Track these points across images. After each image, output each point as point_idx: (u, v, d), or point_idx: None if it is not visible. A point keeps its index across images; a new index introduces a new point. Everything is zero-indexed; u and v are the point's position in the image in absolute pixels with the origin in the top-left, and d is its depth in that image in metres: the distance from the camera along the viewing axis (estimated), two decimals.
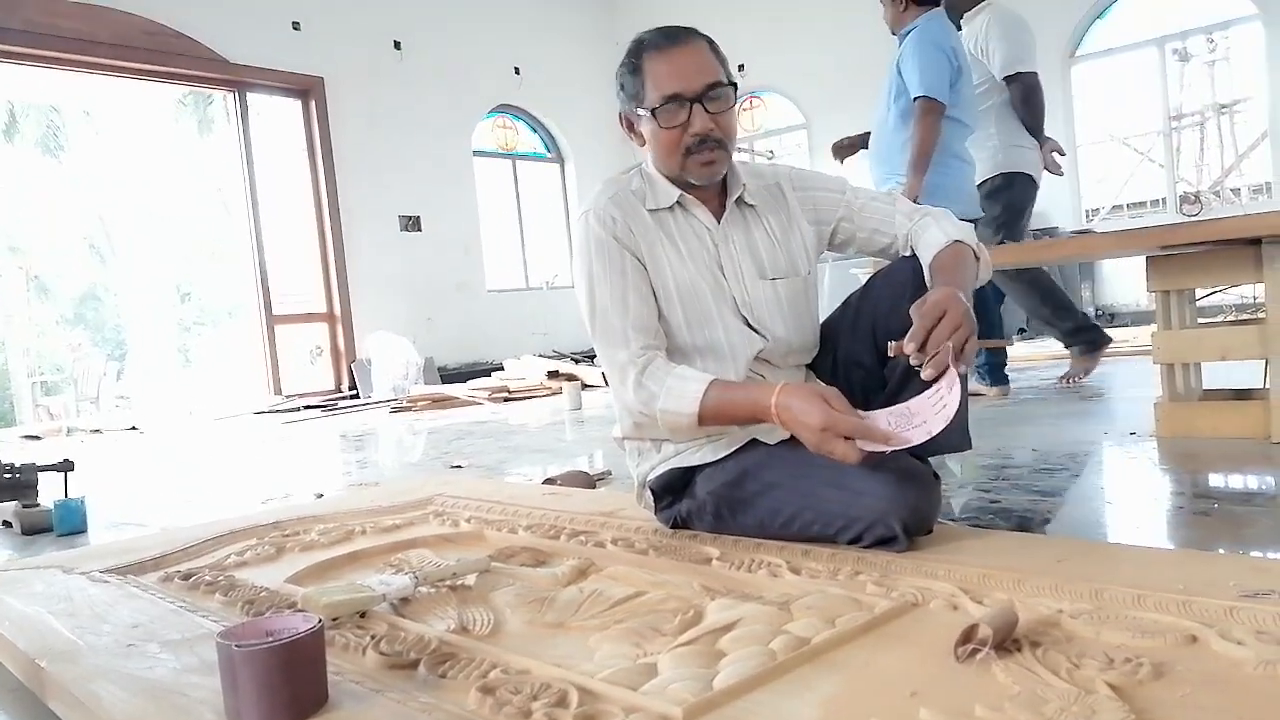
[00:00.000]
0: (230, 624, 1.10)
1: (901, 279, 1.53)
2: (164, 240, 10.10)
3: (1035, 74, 3.74)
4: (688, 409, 1.41)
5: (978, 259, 1.51)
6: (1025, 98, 3.75)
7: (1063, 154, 3.92)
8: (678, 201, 1.57)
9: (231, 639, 0.95)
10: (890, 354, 1.33)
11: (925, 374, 1.28)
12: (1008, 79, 3.72)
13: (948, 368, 1.27)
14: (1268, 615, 0.99)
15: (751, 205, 1.60)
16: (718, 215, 1.59)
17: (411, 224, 8.69)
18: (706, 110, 1.47)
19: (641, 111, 1.52)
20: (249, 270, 7.97)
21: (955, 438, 1.41)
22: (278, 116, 8.06)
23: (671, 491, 1.62)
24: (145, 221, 9.99)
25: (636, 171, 1.62)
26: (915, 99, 3.29)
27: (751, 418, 1.40)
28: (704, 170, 1.52)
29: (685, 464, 1.57)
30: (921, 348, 1.27)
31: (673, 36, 1.48)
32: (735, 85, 1.52)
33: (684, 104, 1.47)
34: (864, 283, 1.67)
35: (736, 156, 1.59)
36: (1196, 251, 2.58)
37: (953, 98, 3.33)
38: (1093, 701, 0.83)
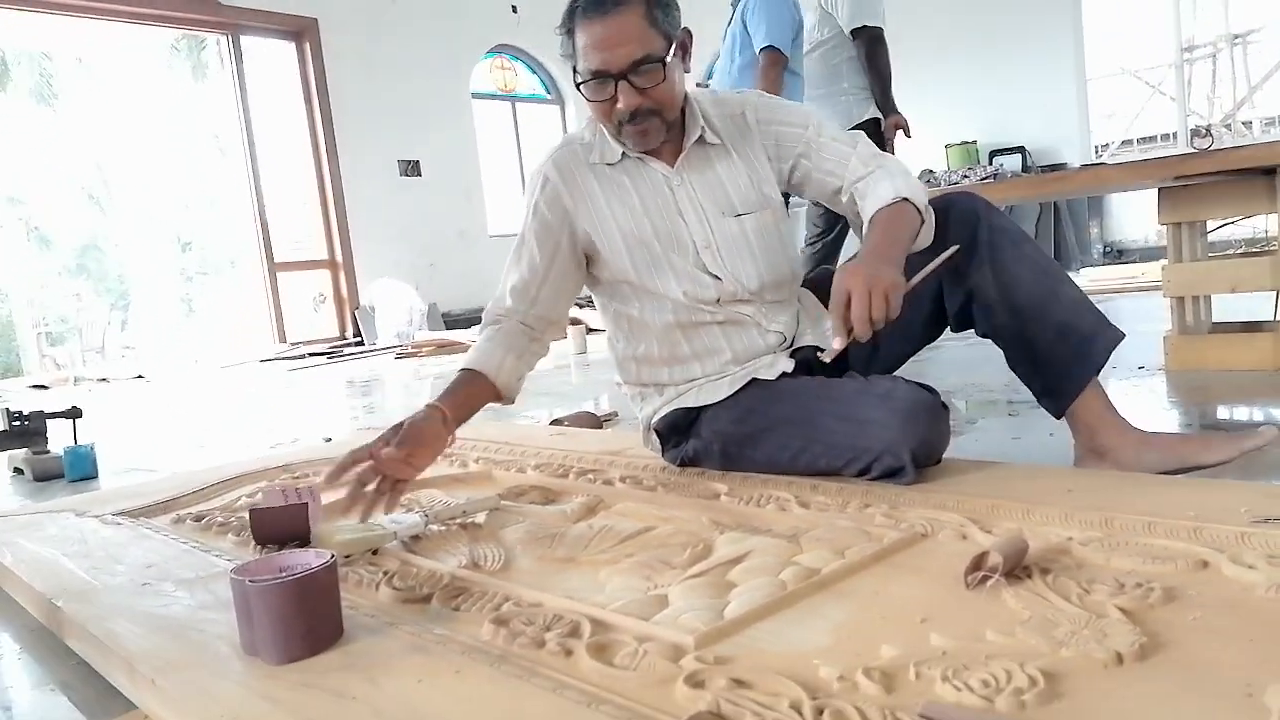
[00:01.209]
0: (243, 562, 1.11)
1: (938, 219, 1.46)
2: (162, 189, 10.02)
3: (880, 29, 3.52)
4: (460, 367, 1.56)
5: (923, 219, 1.42)
6: (870, 54, 3.52)
7: (908, 135, 3.66)
8: (624, 155, 1.53)
9: (245, 575, 0.95)
10: (826, 360, 1.33)
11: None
12: (854, 32, 3.57)
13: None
14: (1279, 540, 0.99)
15: (714, 143, 1.53)
16: (674, 159, 1.53)
17: (411, 169, 8.60)
18: (634, 86, 1.39)
19: (577, 71, 1.43)
20: (249, 218, 7.91)
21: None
22: (272, 60, 7.93)
23: (677, 432, 1.62)
24: (143, 170, 9.90)
25: (590, 121, 1.56)
26: (760, 50, 3.24)
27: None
28: (638, 141, 1.47)
29: (688, 405, 1.57)
30: (850, 334, 1.25)
31: (600, 5, 1.36)
32: (682, 49, 1.43)
33: (608, 80, 1.39)
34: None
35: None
36: (1209, 182, 2.54)
37: (794, 52, 3.29)
38: (1104, 625, 0.83)
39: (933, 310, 1.55)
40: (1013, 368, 1.55)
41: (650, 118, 1.42)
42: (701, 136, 1.52)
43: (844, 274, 1.28)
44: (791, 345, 1.58)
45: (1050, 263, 1.50)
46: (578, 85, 1.42)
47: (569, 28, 1.41)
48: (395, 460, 1.33)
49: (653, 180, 1.53)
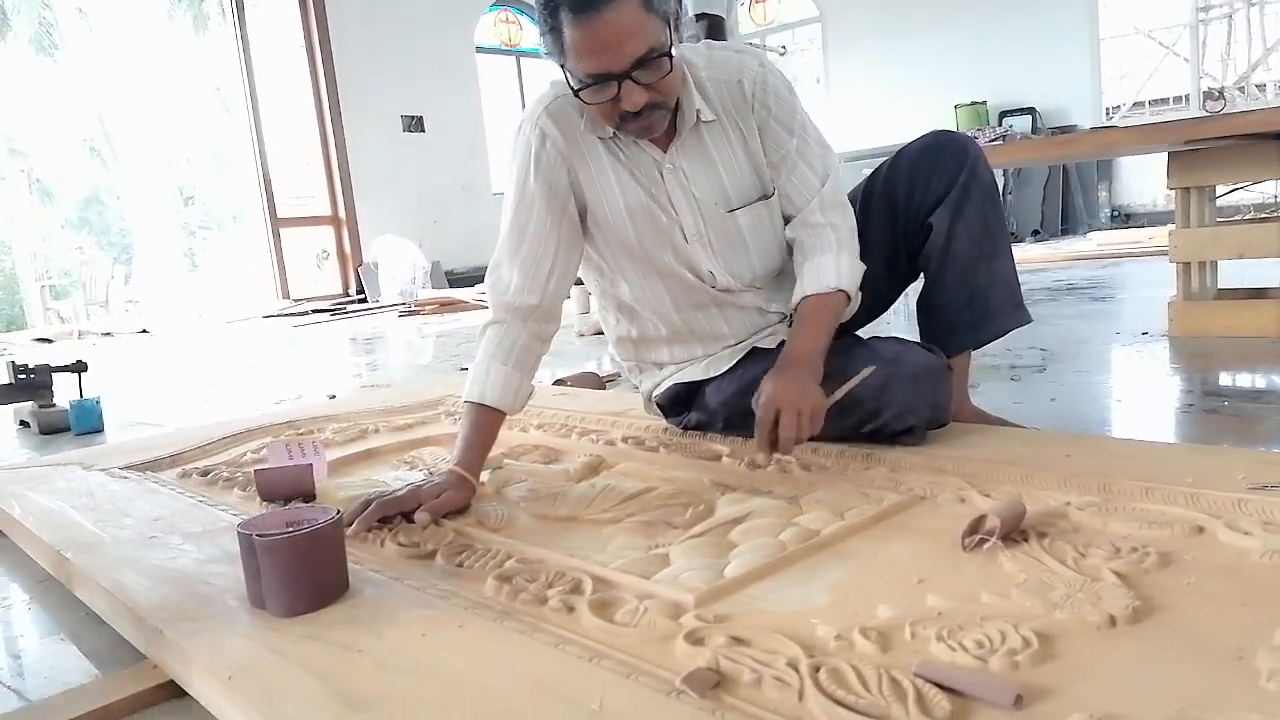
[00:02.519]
0: (250, 517, 1.12)
1: (927, 160, 1.50)
2: (164, 142, 9.95)
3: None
4: (464, 395, 1.41)
5: (851, 301, 1.44)
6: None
7: None
8: (615, 133, 1.40)
9: (253, 530, 0.97)
10: (754, 468, 1.34)
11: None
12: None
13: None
14: (1275, 506, 1.00)
15: (710, 120, 1.41)
16: (667, 141, 1.41)
17: (414, 124, 8.53)
18: (639, 83, 1.24)
19: (568, 72, 1.27)
20: (251, 173, 7.87)
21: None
22: (274, 12, 7.83)
23: (679, 404, 1.61)
24: (145, 123, 9.82)
25: None
26: None
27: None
28: (642, 134, 1.35)
29: (689, 379, 1.57)
30: (774, 447, 1.27)
31: (591, 1, 1.18)
32: (675, 20, 1.27)
33: (610, 82, 1.24)
34: (885, 163, 1.59)
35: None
36: (1220, 147, 2.52)
37: None
38: (1098, 588, 0.84)
39: (890, 260, 1.58)
40: (917, 304, 1.62)
41: (656, 111, 1.30)
42: (698, 115, 1.40)
43: (773, 389, 1.28)
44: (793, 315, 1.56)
45: (1000, 232, 1.55)
46: (573, 90, 1.27)
47: (551, 24, 1.23)
48: (424, 523, 1.22)
49: (643, 163, 1.42)
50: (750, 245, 1.48)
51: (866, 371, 1.34)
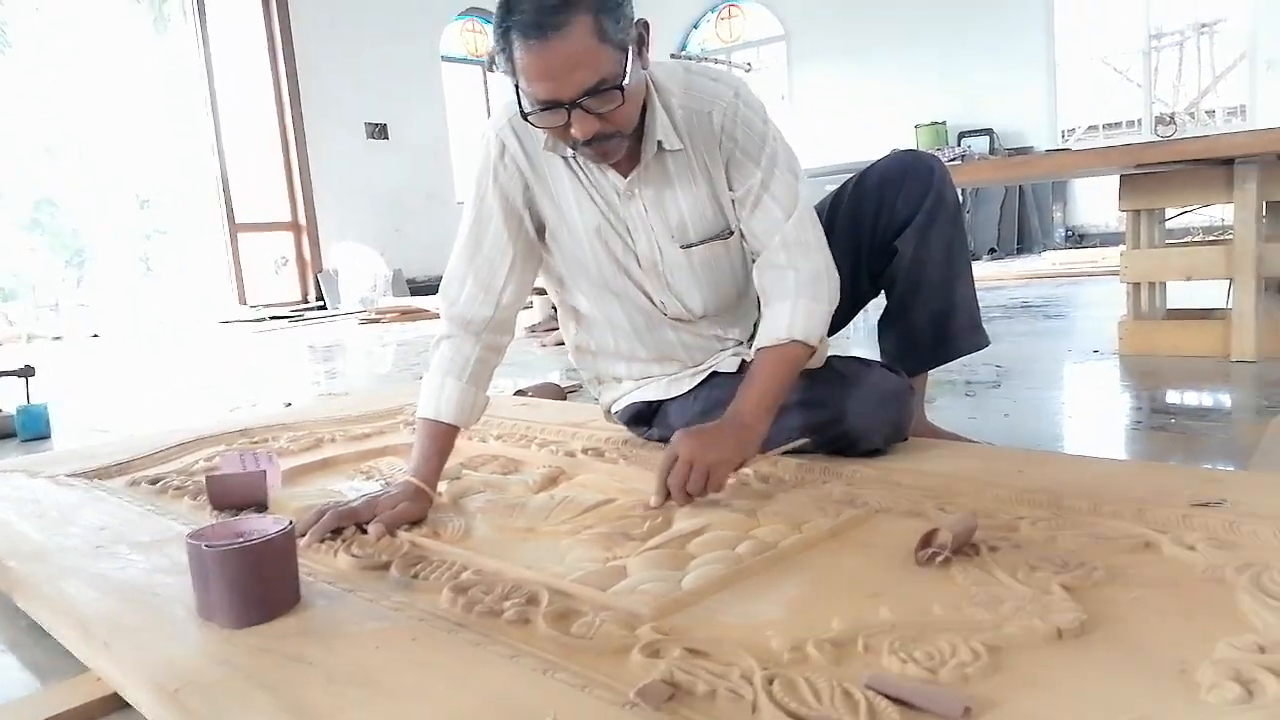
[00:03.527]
0: (200, 527, 1.10)
1: (894, 181, 1.51)
2: (120, 144, 9.77)
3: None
4: (418, 410, 1.40)
5: (814, 351, 1.37)
6: None
7: None
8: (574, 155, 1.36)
9: (202, 539, 0.95)
10: (647, 508, 1.26)
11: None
12: None
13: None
14: (1218, 523, 1.03)
15: (675, 149, 1.36)
16: (629, 167, 1.36)
17: (378, 131, 8.47)
18: (589, 112, 1.19)
19: (520, 93, 1.22)
20: (210, 177, 7.76)
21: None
22: (237, 14, 7.74)
23: (640, 421, 1.61)
24: (100, 124, 9.64)
25: None
26: None
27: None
28: (597, 159, 1.32)
29: (649, 398, 1.56)
30: (670, 496, 1.24)
31: (540, 26, 1.13)
32: (639, 45, 1.22)
33: (560, 109, 1.19)
34: (851, 180, 1.59)
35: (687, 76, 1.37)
36: (1169, 171, 2.58)
37: None
38: (1047, 602, 0.85)
39: (852, 277, 1.57)
40: (879, 321, 1.64)
41: (610, 140, 1.25)
42: (660, 145, 1.34)
43: (685, 436, 1.26)
44: (752, 338, 1.53)
45: (962, 256, 1.57)
46: (523, 114, 1.23)
47: (503, 45, 1.18)
48: (377, 535, 1.20)
49: (604, 185, 1.39)
50: (703, 282, 1.45)
51: (800, 442, 1.35)
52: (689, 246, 1.42)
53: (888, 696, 0.69)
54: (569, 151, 1.36)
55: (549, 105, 1.19)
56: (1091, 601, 0.86)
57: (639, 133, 1.33)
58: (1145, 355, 2.65)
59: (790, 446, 1.35)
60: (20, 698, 0.94)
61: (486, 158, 1.41)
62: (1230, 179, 2.45)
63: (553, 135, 1.30)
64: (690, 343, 1.52)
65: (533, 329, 4.41)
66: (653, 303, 1.47)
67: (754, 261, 1.43)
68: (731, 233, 1.43)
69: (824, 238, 1.40)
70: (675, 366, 1.54)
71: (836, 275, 1.40)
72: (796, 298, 1.35)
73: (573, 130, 1.22)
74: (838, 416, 1.39)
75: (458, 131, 9.16)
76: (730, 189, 1.40)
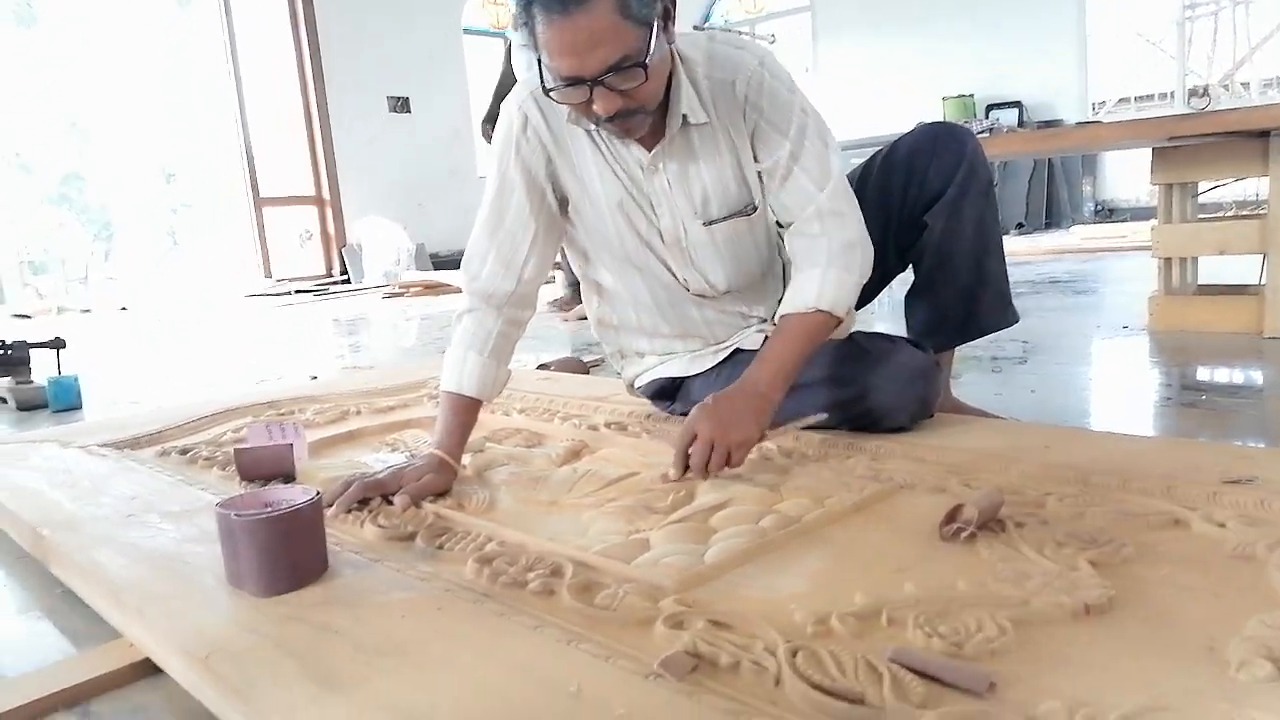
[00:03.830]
0: (229, 496, 1.12)
1: (924, 154, 1.48)
2: (145, 118, 9.83)
3: None
4: (441, 384, 1.40)
5: (840, 321, 1.36)
6: None
7: None
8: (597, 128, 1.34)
9: (231, 509, 0.96)
10: (665, 480, 1.25)
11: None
12: None
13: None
14: (1250, 500, 1.01)
15: (700, 123, 1.34)
16: (653, 141, 1.35)
17: (400, 105, 8.46)
18: (612, 89, 1.18)
19: (544, 68, 1.21)
20: (235, 151, 7.79)
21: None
22: None
23: (664, 396, 1.61)
24: (125, 98, 9.70)
25: None
26: None
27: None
28: (620, 135, 1.31)
29: (672, 374, 1.56)
30: (688, 469, 1.23)
31: (563, 2, 1.12)
32: (664, 20, 1.20)
33: (582, 85, 1.18)
34: (880, 153, 1.56)
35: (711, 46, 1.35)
36: (1202, 144, 2.53)
37: None
38: (1074, 578, 0.85)
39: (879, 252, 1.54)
40: (906, 296, 1.61)
41: (634, 116, 1.24)
42: (685, 119, 1.33)
43: (703, 412, 1.24)
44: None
45: (993, 231, 1.54)
46: (545, 90, 1.21)
47: (525, 18, 1.17)
48: (403, 505, 1.21)
49: (627, 159, 1.38)
50: (726, 258, 1.44)
51: (819, 417, 1.34)
52: (711, 223, 1.40)
53: (912, 670, 0.69)
54: (592, 126, 1.34)
55: (571, 81, 1.18)
56: (1119, 578, 0.86)
57: (664, 106, 1.31)
58: (1176, 331, 2.62)
59: (808, 421, 1.34)
60: (56, 662, 0.96)
61: (509, 131, 1.40)
62: (1265, 151, 2.40)
63: (575, 110, 1.29)
64: (714, 319, 1.51)
65: (554, 304, 4.41)
66: (676, 278, 1.46)
67: (783, 233, 1.42)
68: (755, 208, 1.41)
69: (859, 209, 1.38)
70: (698, 343, 1.54)
71: (871, 247, 1.38)
72: (828, 266, 1.33)
73: (595, 107, 1.20)
74: (863, 393, 1.38)
75: (480, 105, 9.11)
76: (756, 160, 1.38)
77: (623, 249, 1.45)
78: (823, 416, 1.35)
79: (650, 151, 1.36)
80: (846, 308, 1.35)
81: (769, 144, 1.36)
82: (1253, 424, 1.67)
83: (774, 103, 1.34)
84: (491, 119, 4.29)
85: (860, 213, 1.38)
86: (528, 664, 0.76)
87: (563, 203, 1.45)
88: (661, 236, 1.42)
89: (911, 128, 1.55)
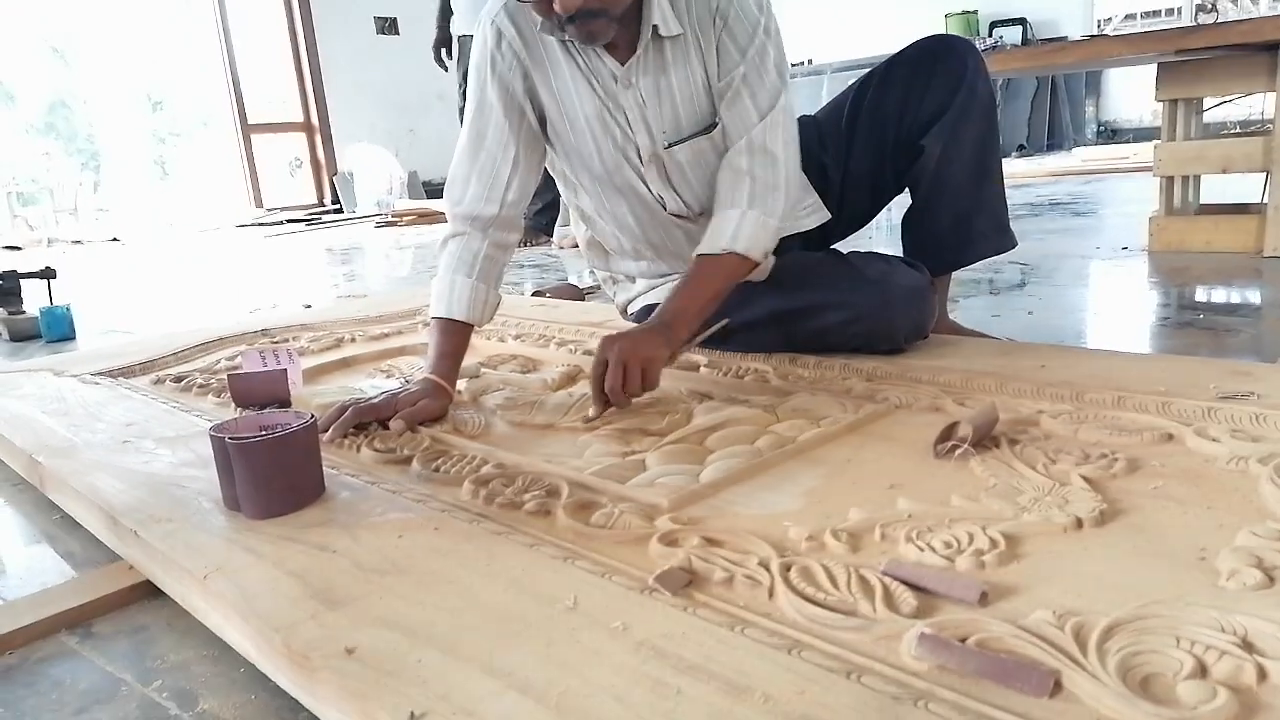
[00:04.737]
0: (223, 421, 1.11)
1: (923, 72, 1.45)
2: (130, 44, 9.59)
3: None
4: (430, 311, 1.38)
5: (756, 264, 1.32)
6: None
7: None
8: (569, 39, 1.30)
9: (225, 433, 0.96)
10: (587, 420, 1.23)
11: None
12: None
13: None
14: (1245, 415, 1.01)
15: (675, 34, 1.29)
16: (626, 54, 1.31)
17: (388, 26, 8.24)
18: None
19: None
20: (220, 77, 7.62)
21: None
22: None
23: None
24: (107, 24, 9.45)
25: None
26: None
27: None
28: (584, 40, 1.25)
29: (662, 300, 1.54)
30: (608, 404, 1.22)
31: None
32: None
33: None
34: (878, 69, 1.52)
35: None
36: (1209, 57, 2.48)
37: None
38: (1066, 492, 0.85)
39: (876, 174, 1.54)
40: (902, 222, 1.59)
41: (596, 18, 1.19)
42: (656, 30, 1.28)
43: (606, 341, 1.23)
44: None
45: (992, 153, 1.51)
46: None
47: None
48: (399, 430, 1.20)
49: (602, 72, 1.33)
50: (692, 180, 1.40)
51: (720, 324, 1.32)
52: (672, 145, 1.36)
53: (904, 582, 0.70)
54: (565, 35, 1.29)
55: None
56: (1112, 492, 0.86)
57: (637, 15, 1.27)
58: (1176, 251, 2.60)
59: (714, 329, 1.32)
60: (57, 584, 0.97)
61: (484, 48, 1.35)
62: (1273, 65, 2.35)
63: (537, 10, 1.23)
64: (698, 239, 1.49)
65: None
66: (654, 197, 1.43)
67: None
68: (714, 126, 1.36)
69: (795, 147, 1.34)
70: (684, 267, 1.52)
71: (798, 189, 1.35)
72: (747, 208, 1.29)
73: (555, 5, 1.16)
74: (859, 315, 1.37)
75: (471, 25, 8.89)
76: (718, 77, 1.33)
77: (603, 168, 1.41)
78: (724, 322, 1.33)
79: (624, 65, 1.32)
80: (764, 251, 1.32)
81: (727, 60, 1.32)
82: (1250, 343, 1.67)
83: (740, 17, 1.30)
84: (441, 43, 4.19)
85: (796, 152, 1.34)
86: (524, 580, 0.76)
87: (542, 121, 1.40)
88: (639, 153, 1.39)
89: (912, 42, 1.51)
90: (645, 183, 1.41)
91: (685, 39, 1.31)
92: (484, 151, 1.37)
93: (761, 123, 1.30)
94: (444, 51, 4.27)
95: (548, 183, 1.59)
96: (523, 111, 1.37)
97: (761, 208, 1.29)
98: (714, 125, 1.36)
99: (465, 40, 3.97)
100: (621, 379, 1.20)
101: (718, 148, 1.37)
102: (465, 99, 4.03)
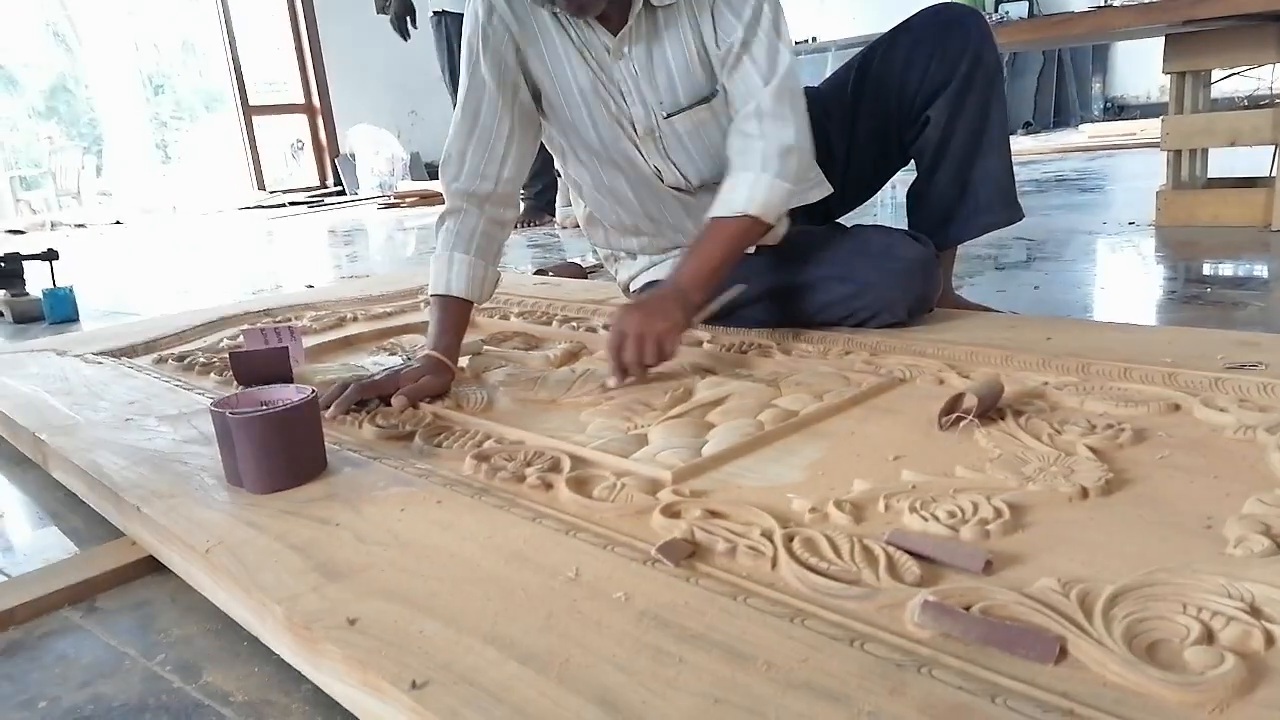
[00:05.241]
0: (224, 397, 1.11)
1: (929, 42, 1.43)
2: (131, 28, 9.56)
3: None
4: (429, 289, 1.37)
5: (771, 227, 1.32)
6: None
7: None
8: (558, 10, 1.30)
9: (226, 408, 0.95)
10: (605, 390, 1.23)
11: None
12: None
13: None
14: (1252, 385, 1.00)
15: (668, 3, 1.29)
16: (618, 25, 1.30)
17: (389, 7, 8.18)
18: None
19: None
20: (221, 60, 7.59)
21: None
22: None
23: None
24: (109, 7, 9.41)
25: None
26: None
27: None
28: (576, 12, 1.25)
29: (663, 276, 1.53)
30: (626, 374, 1.22)
31: None
32: None
33: None
34: (884, 39, 1.50)
35: None
36: (1218, 28, 2.45)
37: None
38: (1071, 462, 0.85)
39: (881, 145, 1.53)
40: (907, 194, 1.59)
41: None
42: (649, 1, 1.28)
43: (623, 312, 1.23)
44: None
45: (998, 124, 1.49)
46: None
47: None
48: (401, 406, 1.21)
49: (595, 44, 1.32)
50: (692, 150, 1.39)
51: (735, 290, 1.32)
52: (671, 115, 1.35)
53: (908, 551, 0.69)
54: (556, 8, 1.28)
55: None
56: (1117, 462, 0.86)
57: None
58: (1183, 225, 2.58)
59: (730, 295, 1.32)
60: (62, 560, 0.97)
61: (474, 22, 1.34)
62: None
63: None
64: (697, 213, 1.48)
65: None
66: (650, 170, 1.42)
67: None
68: (716, 93, 1.35)
69: (803, 109, 1.32)
70: (684, 240, 1.51)
71: (811, 151, 1.33)
72: (761, 170, 1.28)
73: None
74: (862, 289, 1.36)
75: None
76: (716, 45, 1.32)
77: (599, 141, 1.40)
78: (740, 288, 1.33)
79: (616, 36, 1.30)
80: (778, 214, 1.32)
81: (724, 25, 1.30)
82: (1257, 315, 1.66)
83: None
84: (398, 16, 4.14)
85: (805, 114, 1.32)
86: (526, 552, 0.76)
87: (536, 95, 1.39)
88: (635, 125, 1.37)
89: (917, 12, 1.49)
90: (642, 155, 1.40)
91: (678, 7, 1.30)
92: (478, 128, 1.36)
93: (768, 87, 1.29)
94: (408, 21, 4.22)
95: (548, 162, 1.58)
96: (516, 86, 1.36)
97: (775, 170, 1.28)
98: (713, 94, 1.34)
99: (444, 16, 3.93)
100: (639, 352, 1.20)
101: (718, 117, 1.36)
102: (447, 76, 3.97)
